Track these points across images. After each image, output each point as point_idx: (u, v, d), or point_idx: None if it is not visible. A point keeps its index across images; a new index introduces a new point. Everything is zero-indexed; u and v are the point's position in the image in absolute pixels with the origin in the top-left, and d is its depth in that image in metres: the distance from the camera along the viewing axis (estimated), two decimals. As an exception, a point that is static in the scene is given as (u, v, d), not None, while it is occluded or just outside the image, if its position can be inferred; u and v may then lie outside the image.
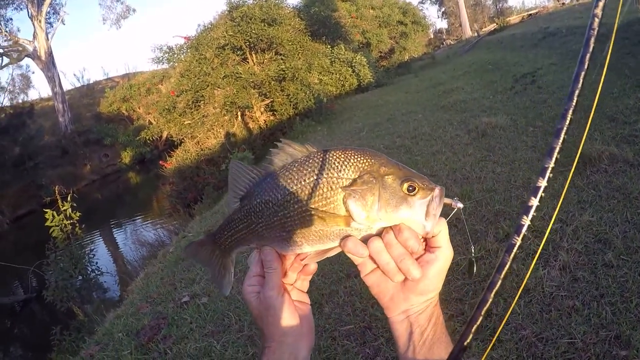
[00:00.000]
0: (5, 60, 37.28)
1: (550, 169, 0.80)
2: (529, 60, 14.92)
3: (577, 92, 0.79)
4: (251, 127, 18.60)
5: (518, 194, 5.15)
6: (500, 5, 61.71)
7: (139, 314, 5.38)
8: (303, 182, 0.98)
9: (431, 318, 1.02)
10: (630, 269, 3.34)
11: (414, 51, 36.83)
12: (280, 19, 18.92)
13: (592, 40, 0.79)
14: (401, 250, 0.94)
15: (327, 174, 0.97)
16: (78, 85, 49.76)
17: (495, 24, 37.66)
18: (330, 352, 3.52)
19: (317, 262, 1.06)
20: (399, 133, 9.98)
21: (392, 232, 0.95)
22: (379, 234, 0.96)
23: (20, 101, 42.61)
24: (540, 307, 3.28)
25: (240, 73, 17.46)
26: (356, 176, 0.96)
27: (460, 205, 0.97)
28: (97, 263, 10.22)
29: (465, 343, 0.87)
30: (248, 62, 19.19)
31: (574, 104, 0.79)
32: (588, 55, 0.79)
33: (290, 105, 17.76)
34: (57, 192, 10.00)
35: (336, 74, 22.11)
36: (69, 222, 9.69)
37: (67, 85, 44.65)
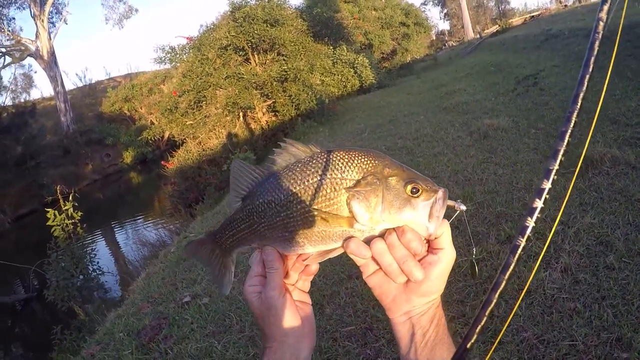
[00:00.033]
0: (8, 59, 37.31)
1: (554, 171, 0.80)
2: (531, 62, 14.91)
3: (581, 95, 0.79)
4: (253, 127, 18.61)
5: (520, 196, 5.15)
6: (503, 7, 61.66)
7: (140, 314, 5.37)
8: (306, 183, 0.98)
9: (433, 319, 1.02)
10: (632, 272, 3.34)
11: (416, 52, 36.81)
12: (283, 20, 18.94)
13: (597, 43, 0.79)
14: (404, 251, 0.94)
15: (331, 174, 0.97)
16: (80, 85, 49.84)
17: (497, 26, 37.71)
18: (331, 353, 3.51)
19: (319, 263, 1.06)
20: (401, 134, 9.97)
21: (395, 234, 0.95)
22: (382, 235, 0.96)
23: (22, 100, 42.81)
24: (541, 309, 3.28)
25: (243, 74, 17.48)
26: (360, 177, 0.96)
27: (463, 207, 0.98)
28: (98, 263, 10.22)
29: (469, 344, 0.87)
30: (250, 62, 19.22)
31: (578, 106, 0.79)
32: (593, 59, 0.79)
33: (292, 106, 17.77)
34: (58, 191, 10.00)
35: (338, 75, 22.11)
36: (70, 221, 9.69)
37: (69, 85, 44.72)
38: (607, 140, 5.80)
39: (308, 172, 0.99)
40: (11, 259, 13.70)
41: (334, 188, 0.96)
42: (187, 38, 19.54)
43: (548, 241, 0.91)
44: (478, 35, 40.03)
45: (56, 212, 9.59)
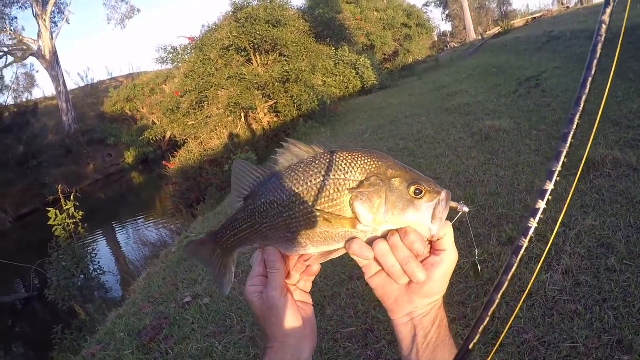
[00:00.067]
0: (10, 59, 37.33)
1: (557, 172, 0.80)
2: (533, 64, 14.91)
3: (584, 97, 0.79)
4: (255, 128, 18.61)
5: (521, 198, 5.14)
6: (505, 8, 61.70)
7: (141, 314, 5.38)
8: (309, 183, 0.98)
9: (435, 321, 1.02)
10: (633, 274, 3.34)
11: (418, 54, 36.82)
12: (285, 21, 18.94)
13: (600, 46, 0.79)
14: (407, 253, 0.94)
15: (334, 175, 0.97)
16: (82, 84, 49.89)
17: (499, 27, 37.68)
18: (332, 354, 3.52)
19: (320, 264, 1.06)
20: (403, 136, 9.98)
21: (398, 235, 0.95)
22: (384, 236, 0.96)
23: (24, 100, 42.71)
24: (542, 311, 3.28)
25: (244, 74, 17.46)
26: (363, 178, 0.96)
27: (466, 209, 0.97)
28: (99, 262, 10.23)
29: (472, 344, 0.87)
30: (252, 63, 19.21)
31: (581, 109, 0.79)
32: (595, 62, 0.79)
33: (294, 106, 17.76)
34: (60, 191, 10.01)
35: (340, 76, 22.10)
36: (71, 221, 9.70)
37: (71, 85, 44.80)
38: (608, 143, 5.80)
39: (311, 172, 0.98)
40: (12, 258, 13.71)
41: (337, 189, 0.96)
42: (189, 38, 19.54)
43: (550, 243, 0.91)
44: (480, 37, 40.06)
45: (57, 211, 9.60)
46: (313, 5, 23.89)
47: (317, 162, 0.99)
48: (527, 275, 3.46)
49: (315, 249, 1.01)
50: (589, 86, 0.79)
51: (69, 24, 42.96)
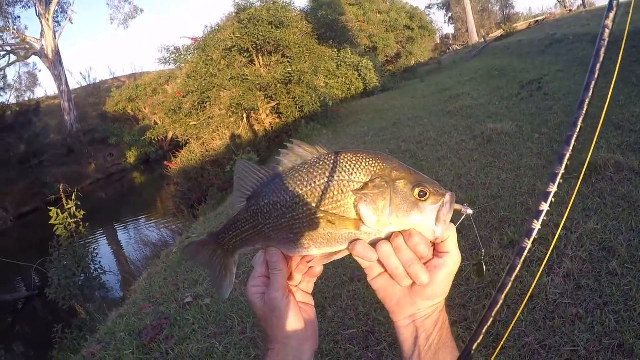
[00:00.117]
0: (13, 57, 37.38)
1: (560, 175, 0.80)
2: (535, 67, 14.91)
3: (587, 101, 0.79)
4: (257, 129, 18.60)
5: (523, 201, 5.14)
6: (507, 11, 61.68)
7: (142, 314, 5.38)
8: (313, 184, 0.98)
9: (437, 323, 1.02)
10: (635, 278, 3.33)
11: (420, 56, 36.79)
12: (288, 22, 18.93)
13: (603, 50, 0.79)
14: (410, 255, 0.94)
15: (338, 176, 0.96)
16: (84, 84, 49.84)
17: (502, 30, 37.66)
18: (333, 356, 3.52)
19: (322, 265, 1.05)
20: (405, 138, 9.98)
21: (401, 237, 0.95)
22: (388, 238, 0.96)
23: (26, 99, 42.75)
24: (543, 314, 3.28)
25: (247, 75, 17.47)
26: (368, 180, 0.96)
27: (470, 211, 0.97)
28: (100, 262, 10.23)
29: (475, 344, 0.87)
30: (255, 64, 19.19)
31: (584, 112, 0.79)
32: (598, 65, 0.79)
33: (296, 108, 17.75)
34: (61, 190, 10.02)
35: (342, 78, 22.10)
36: (73, 220, 9.70)
37: (73, 84, 44.66)
38: (610, 146, 5.80)
39: (315, 173, 0.98)
40: (13, 257, 13.71)
41: (342, 190, 0.96)
42: (192, 39, 19.53)
43: (552, 246, 0.91)
44: (482, 40, 40.04)
45: (59, 210, 9.61)
46: (316, 7, 23.86)
47: (321, 163, 0.99)
48: (528, 277, 3.45)
49: (318, 250, 1.00)
50: (592, 90, 0.79)
51: (72, 23, 43.05)
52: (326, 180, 0.97)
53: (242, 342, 4.10)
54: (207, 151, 17.70)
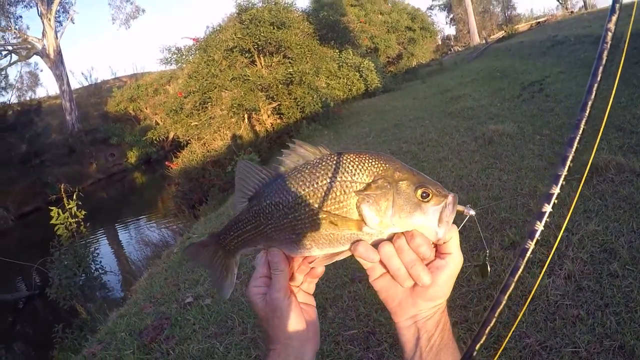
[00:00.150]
0: (14, 57, 37.41)
1: (563, 176, 0.81)
2: (537, 68, 14.91)
3: (590, 103, 0.80)
4: (258, 129, 18.61)
5: (524, 202, 5.14)
6: (509, 12, 61.69)
7: (142, 314, 5.38)
8: (315, 185, 0.97)
9: (439, 324, 1.02)
10: (636, 279, 3.33)
11: (421, 57, 36.82)
12: (289, 23, 18.94)
13: (605, 53, 0.79)
14: (412, 256, 0.94)
15: (341, 177, 0.96)
16: (86, 84, 49.92)
17: (503, 32, 37.68)
18: (334, 357, 3.52)
19: (324, 265, 1.05)
20: (406, 139, 9.98)
21: (403, 238, 0.95)
22: (390, 239, 0.96)
23: (28, 99, 42.77)
24: (544, 315, 3.27)
25: (248, 76, 17.47)
26: (370, 180, 0.96)
27: (473, 212, 0.97)
28: (101, 262, 10.25)
29: (479, 345, 0.87)
30: (256, 64, 19.20)
31: (587, 114, 0.80)
32: (601, 68, 0.79)
33: (297, 108, 17.75)
34: (62, 190, 10.04)
35: (344, 79, 22.12)
36: (74, 220, 9.72)
37: (75, 84, 44.72)
38: (612, 148, 5.79)
39: (317, 174, 0.98)
40: (14, 256, 13.73)
41: (344, 191, 0.96)
42: (194, 39, 19.54)
43: (554, 247, 0.91)
44: (484, 41, 40.06)
45: (60, 210, 9.63)
46: (317, 8, 23.89)
47: (323, 163, 0.99)
48: (529, 278, 3.45)
49: (320, 250, 1.00)
50: (594, 92, 0.79)
51: (73, 23, 42.86)
52: (328, 180, 0.97)
53: (242, 342, 4.10)
54: (208, 151, 17.71)
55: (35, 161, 27.96)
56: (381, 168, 0.97)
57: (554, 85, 11.08)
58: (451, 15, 63.86)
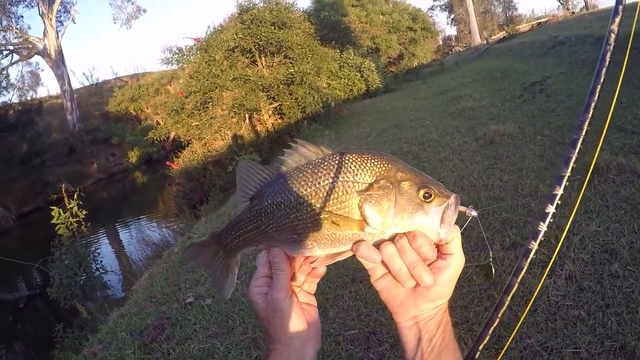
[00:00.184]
0: (15, 57, 37.42)
1: (566, 177, 0.81)
2: (538, 69, 14.91)
3: (593, 104, 0.80)
4: (259, 129, 18.61)
5: (525, 203, 5.14)
6: (510, 13, 61.69)
7: (143, 314, 5.38)
8: (317, 185, 0.97)
9: (440, 324, 1.02)
10: (637, 280, 3.33)
11: (422, 57, 36.85)
12: (290, 23, 18.94)
13: (609, 54, 0.79)
14: (414, 256, 0.94)
15: (343, 177, 0.96)
16: (87, 84, 49.95)
17: (504, 32, 37.68)
18: (335, 357, 3.52)
19: (325, 265, 1.05)
20: (407, 139, 9.97)
21: (406, 238, 0.95)
22: (391, 239, 0.96)
23: (29, 98, 42.83)
24: (545, 316, 3.27)
25: (249, 76, 17.47)
26: (372, 181, 0.95)
27: (474, 213, 0.97)
28: (101, 261, 10.26)
29: (481, 346, 0.87)
30: (257, 65, 19.20)
31: (590, 116, 0.80)
32: (604, 70, 0.79)
33: (299, 109, 17.75)
34: (63, 189, 10.04)
35: (345, 79, 22.13)
36: (74, 220, 9.72)
37: (76, 84, 44.73)
38: (613, 148, 5.79)
39: (319, 174, 0.98)
40: (15, 256, 13.75)
41: (346, 191, 0.95)
42: (195, 39, 19.54)
43: (557, 248, 0.91)
44: (485, 41, 40.04)
45: (61, 210, 9.62)
46: (319, 8, 23.90)
47: (325, 163, 0.99)
48: (530, 279, 3.45)
49: (322, 250, 1.00)
50: (597, 94, 0.79)
51: (74, 23, 42.94)
52: (330, 180, 0.96)
53: (243, 342, 4.10)
54: (209, 151, 17.71)
55: (36, 161, 28.00)
56: (383, 168, 0.96)
57: (555, 85, 11.08)
58: (452, 16, 63.85)
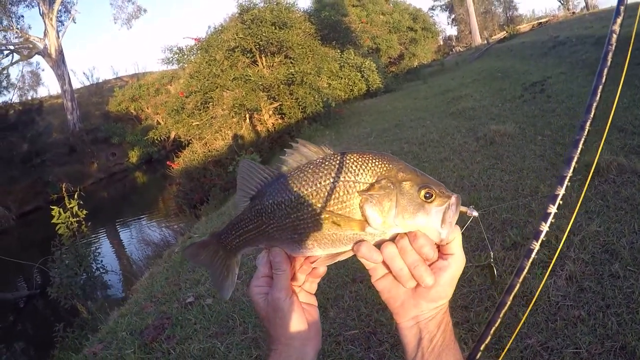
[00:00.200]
0: (16, 57, 37.42)
1: (568, 177, 0.81)
2: (538, 69, 14.91)
3: (595, 104, 0.80)
4: (259, 129, 18.60)
5: (525, 203, 5.13)
6: (511, 13, 61.65)
7: (143, 314, 5.38)
8: (318, 185, 0.97)
9: (441, 325, 1.01)
10: (637, 280, 3.33)
11: (423, 57, 36.84)
12: (291, 23, 18.94)
13: (610, 55, 0.79)
14: (415, 256, 0.94)
15: (344, 177, 0.96)
16: (87, 83, 50.00)
17: (505, 32, 37.69)
18: (335, 357, 3.52)
19: (326, 265, 1.05)
20: (407, 139, 9.98)
21: (406, 238, 0.95)
22: (392, 239, 0.96)
23: (29, 98, 42.90)
24: (545, 316, 3.27)
25: (250, 76, 17.46)
26: (374, 181, 0.95)
27: (476, 213, 0.97)
28: (102, 261, 10.24)
29: (483, 346, 0.87)
30: (258, 64, 19.20)
31: (592, 115, 0.80)
32: (606, 70, 0.79)
33: (299, 109, 17.75)
34: (64, 189, 10.03)
35: (345, 79, 22.14)
36: (75, 219, 9.70)
37: (76, 84, 44.79)
38: (613, 149, 5.78)
39: (320, 173, 0.97)
40: (15, 255, 13.75)
41: (347, 191, 0.95)
42: (195, 39, 19.54)
43: (559, 248, 0.91)
44: (485, 41, 40.04)
45: (61, 209, 9.61)
46: (319, 8, 23.90)
47: (326, 163, 0.98)
48: (530, 279, 3.45)
49: (322, 250, 1.00)
50: (599, 94, 0.79)
51: (75, 23, 42.98)
52: (332, 180, 0.96)
53: (243, 342, 4.10)
54: (209, 151, 17.70)
55: (36, 160, 27.99)
56: (384, 168, 0.96)
57: (556, 86, 11.08)
58: (453, 16, 63.81)
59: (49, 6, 35.75)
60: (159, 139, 21.34)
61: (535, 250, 0.85)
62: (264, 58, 19.27)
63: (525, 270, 0.86)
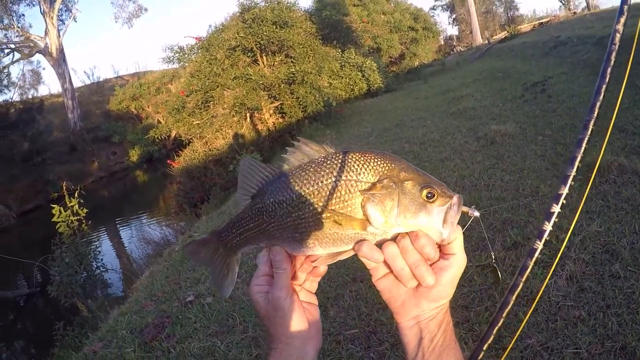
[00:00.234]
0: (17, 55, 37.46)
1: (572, 177, 0.80)
2: (539, 69, 14.90)
3: (598, 104, 0.79)
4: (260, 129, 18.60)
5: (526, 203, 5.13)
6: (512, 13, 61.65)
7: (143, 312, 5.38)
8: (320, 184, 0.97)
9: (441, 324, 1.01)
10: (637, 281, 3.33)
11: (424, 57, 36.80)
12: (292, 22, 18.93)
13: (614, 54, 0.79)
14: (417, 256, 0.94)
15: (346, 176, 0.96)
16: (88, 82, 49.94)
17: (506, 32, 37.67)
18: (335, 356, 3.51)
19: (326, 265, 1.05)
20: (408, 139, 9.97)
21: (408, 238, 0.95)
22: (393, 239, 0.96)
23: (30, 97, 42.90)
24: (546, 316, 3.27)
25: (251, 75, 17.46)
26: (375, 180, 0.95)
27: (477, 213, 0.97)
28: (102, 260, 10.26)
29: (486, 346, 0.87)
30: (258, 64, 19.19)
31: (595, 115, 0.79)
32: (609, 70, 0.79)
33: (300, 108, 17.74)
34: (64, 188, 10.04)
35: (346, 78, 22.13)
36: (75, 218, 9.71)
37: (77, 82, 44.84)
38: (614, 149, 5.78)
39: (322, 172, 0.97)
40: (16, 254, 13.76)
41: (349, 190, 0.95)
42: (196, 38, 19.55)
43: (562, 248, 0.91)
44: (486, 41, 40.02)
45: (61, 208, 9.62)
46: (320, 7, 23.91)
47: (328, 162, 0.98)
48: (531, 279, 3.44)
49: (323, 250, 1.00)
50: (602, 93, 0.79)
51: (75, 21, 43.01)
52: (333, 179, 0.96)
53: (243, 341, 4.10)
54: (210, 150, 17.71)
55: (37, 159, 28.00)
56: (386, 167, 0.96)
57: (557, 86, 11.07)
58: (454, 16, 63.80)
59: (49, 5, 35.75)
60: (159, 137, 21.31)
61: (539, 250, 0.85)
62: (264, 57, 19.26)
63: (529, 270, 0.86)
